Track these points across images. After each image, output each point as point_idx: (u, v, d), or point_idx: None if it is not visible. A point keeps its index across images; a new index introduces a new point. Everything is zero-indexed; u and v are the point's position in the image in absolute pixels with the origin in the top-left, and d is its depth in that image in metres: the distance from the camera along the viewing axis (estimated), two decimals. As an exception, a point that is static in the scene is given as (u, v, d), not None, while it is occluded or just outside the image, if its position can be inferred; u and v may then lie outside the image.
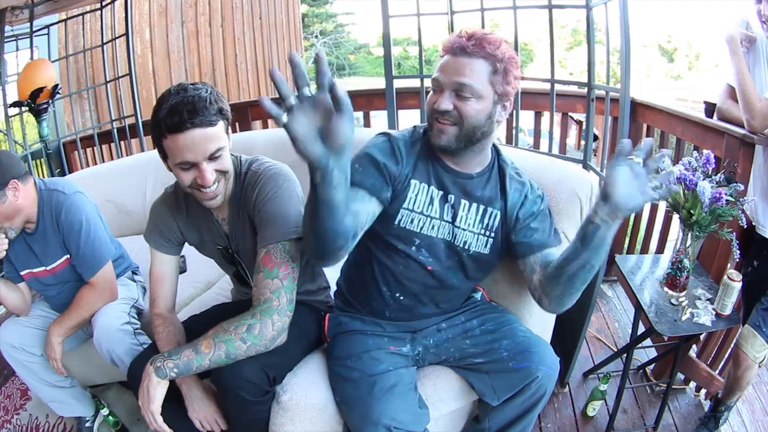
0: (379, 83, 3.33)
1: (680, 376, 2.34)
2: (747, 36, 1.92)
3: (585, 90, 2.25)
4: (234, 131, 3.19)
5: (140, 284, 2.15)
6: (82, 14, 3.86)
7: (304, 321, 1.62)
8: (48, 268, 1.92)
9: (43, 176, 3.15)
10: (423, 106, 2.84)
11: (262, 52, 9.22)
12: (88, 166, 3.94)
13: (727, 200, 1.65)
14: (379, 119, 3.53)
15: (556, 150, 2.96)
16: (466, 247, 1.49)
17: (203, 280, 2.39)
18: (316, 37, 20.79)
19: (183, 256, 1.71)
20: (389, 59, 2.78)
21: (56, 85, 3.34)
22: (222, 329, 1.35)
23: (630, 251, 3.05)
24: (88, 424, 2.13)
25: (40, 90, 3.22)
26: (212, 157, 1.34)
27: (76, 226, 1.86)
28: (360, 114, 3.63)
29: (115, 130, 3.76)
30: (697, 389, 2.33)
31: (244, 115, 3.59)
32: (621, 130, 1.94)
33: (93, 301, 1.89)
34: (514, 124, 2.85)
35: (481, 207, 1.48)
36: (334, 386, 1.52)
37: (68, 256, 1.91)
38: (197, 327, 1.54)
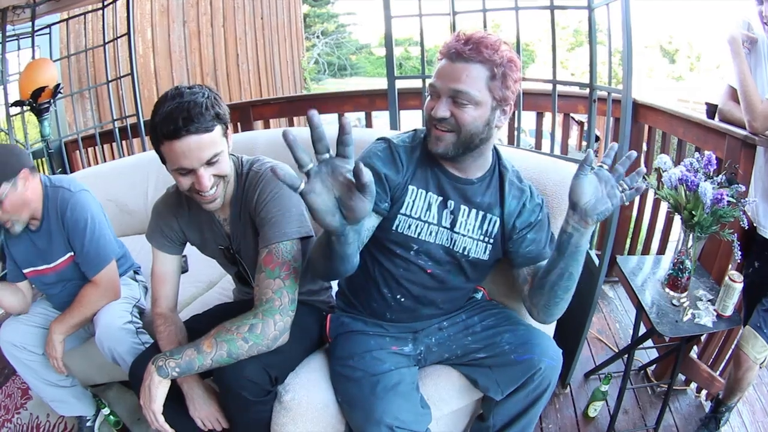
0: (380, 83, 3.34)
1: (681, 377, 2.34)
2: (749, 37, 1.92)
3: (587, 91, 2.25)
4: (235, 131, 3.20)
5: (142, 284, 2.15)
6: (84, 14, 3.86)
7: (306, 321, 1.62)
8: (51, 265, 1.92)
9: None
10: (424, 106, 2.84)
11: (264, 52, 9.24)
12: (89, 165, 3.94)
13: (728, 201, 1.65)
14: (381, 119, 3.53)
15: (557, 151, 2.95)
16: (465, 252, 1.49)
17: (205, 279, 2.39)
18: (318, 37, 20.77)
19: (185, 256, 1.71)
20: (391, 60, 2.78)
21: (58, 85, 3.35)
22: (224, 329, 1.35)
23: (631, 252, 3.05)
24: (89, 424, 2.14)
25: (42, 89, 3.22)
26: (209, 163, 1.34)
27: (81, 223, 1.86)
28: (362, 114, 3.63)
29: (117, 130, 3.76)
30: (698, 390, 2.33)
31: (246, 115, 3.59)
32: (623, 131, 1.94)
33: (96, 300, 1.89)
34: (515, 125, 2.85)
35: (481, 213, 1.48)
36: (336, 386, 1.52)
37: (72, 253, 1.92)
38: (199, 326, 1.55)
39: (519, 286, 1.51)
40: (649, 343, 2.20)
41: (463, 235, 1.47)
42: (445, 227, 1.46)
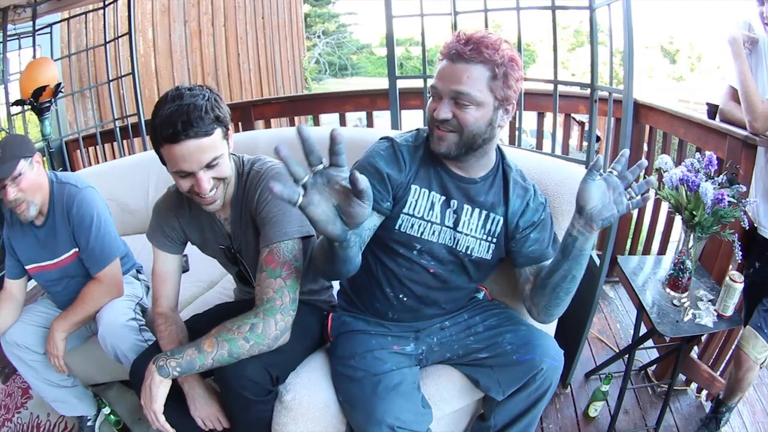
0: (382, 83, 3.34)
1: (682, 377, 2.34)
2: (749, 38, 1.92)
3: (588, 91, 2.25)
4: (236, 131, 3.20)
5: (144, 283, 2.15)
6: (85, 13, 3.86)
7: (307, 320, 1.62)
8: (55, 261, 1.93)
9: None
10: (426, 106, 2.84)
11: (265, 52, 9.25)
12: (90, 165, 3.94)
13: (729, 201, 1.65)
14: (382, 119, 3.53)
15: (558, 151, 2.95)
16: (469, 252, 1.49)
17: (206, 279, 2.39)
18: (319, 37, 20.77)
19: (185, 256, 1.72)
20: (392, 59, 2.78)
21: (59, 84, 3.34)
22: (225, 328, 1.35)
23: (632, 252, 3.05)
24: (89, 423, 2.14)
25: (43, 88, 3.22)
26: (209, 166, 1.34)
27: (87, 220, 1.87)
28: (363, 114, 3.64)
29: (118, 129, 3.76)
30: (699, 390, 2.33)
31: (247, 115, 3.59)
32: (624, 131, 1.94)
33: (99, 297, 1.90)
34: (516, 125, 2.85)
35: (484, 212, 1.47)
36: (337, 386, 1.52)
37: (76, 249, 1.92)
38: (200, 326, 1.55)
39: (520, 286, 1.50)
40: (649, 343, 2.20)
41: (466, 235, 1.47)
42: (448, 227, 1.46)
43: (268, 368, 1.42)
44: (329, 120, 3.96)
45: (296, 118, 3.81)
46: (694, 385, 2.34)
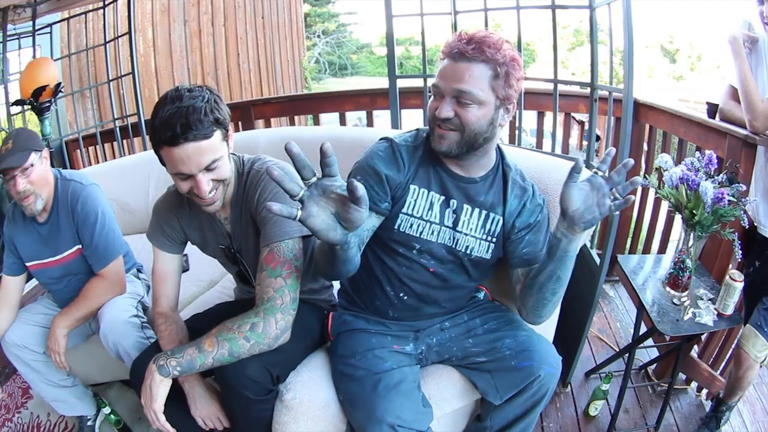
0: (382, 83, 3.34)
1: (682, 376, 2.35)
2: (749, 37, 1.92)
3: (587, 90, 2.26)
4: (237, 130, 3.20)
5: (144, 282, 2.15)
6: (85, 13, 3.86)
7: (308, 319, 1.62)
8: (58, 257, 1.94)
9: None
10: (426, 105, 2.84)
11: (265, 52, 9.24)
12: (90, 164, 3.94)
13: (729, 200, 1.65)
14: (382, 119, 3.53)
15: (558, 150, 2.95)
16: (468, 251, 1.49)
17: (206, 278, 2.40)
18: (319, 36, 20.76)
19: (186, 255, 1.72)
20: (392, 59, 2.78)
21: (59, 84, 3.34)
22: (225, 327, 1.35)
23: (632, 251, 3.05)
24: (89, 423, 2.14)
25: (43, 88, 3.22)
26: (208, 168, 1.33)
27: (91, 216, 1.89)
28: (363, 113, 3.64)
29: (118, 129, 3.76)
30: (699, 389, 2.33)
31: (247, 114, 3.59)
32: (624, 130, 1.94)
33: (101, 293, 1.90)
34: (516, 125, 2.85)
35: (484, 212, 1.48)
36: (337, 384, 1.53)
37: (79, 246, 1.93)
38: (200, 326, 1.55)
39: (512, 286, 1.51)
40: (649, 342, 2.20)
41: (466, 234, 1.47)
42: (447, 226, 1.47)
43: (269, 367, 1.42)
44: (329, 119, 3.96)
45: (296, 118, 3.82)
46: (694, 384, 2.34)
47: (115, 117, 3.74)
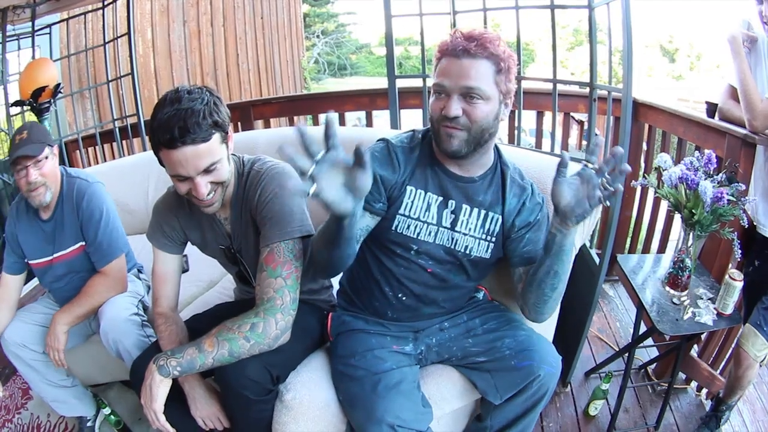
0: (381, 83, 3.34)
1: (681, 375, 2.35)
2: (749, 36, 1.92)
3: (587, 90, 2.26)
4: (236, 131, 3.20)
5: (144, 282, 2.16)
6: (84, 13, 3.86)
7: (307, 320, 1.62)
8: (61, 253, 1.95)
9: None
10: (425, 105, 2.84)
11: (264, 52, 9.24)
12: (89, 165, 3.94)
13: (728, 200, 1.66)
14: (382, 119, 3.53)
15: (558, 150, 2.95)
16: (468, 252, 1.49)
17: (206, 279, 2.40)
18: (318, 36, 20.76)
19: (185, 256, 1.72)
20: (392, 59, 2.78)
21: (58, 85, 3.34)
22: (225, 328, 1.35)
23: (632, 251, 3.05)
24: (89, 424, 2.14)
25: (42, 89, 3.22)
26: (207, 171, 1.33)
27: (96, 213, 1.91)
28: (362, 114, 3.64)
29: (117, 130, 3.76)
30: (699, 389, 2.33)
31: (246, 115, 3.59)
32: (623, 129, 1.94)
33: (103, 290, 1.91)
34: (516, 124, 2.85)
35: (483, 212, 1.48)
36: (337, 385, 1.53)
37: (83, 243, 1.95)
38: (200, 326, 1.55)
39: (514, 285, 1.51)
40: (649, 341, 2.20)
41: (465, 234, 1.47)
42: (445, 227, 1.47)
43: (269, 367, 1.42)
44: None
45: (295, 118, 3.81)
46: (694, 384, 2.35)
47: (115, 118, 3.74)
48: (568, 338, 2.15)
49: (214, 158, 1.33)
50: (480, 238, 1.48)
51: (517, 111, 2.61)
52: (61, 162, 3.65)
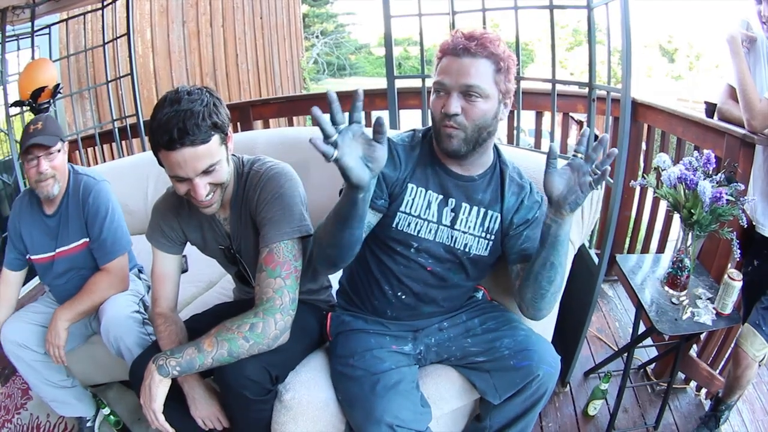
0: (380, 83, 3.34)
1: (681, 375, 2.35)
2: (748, 36, 1.93)
3: (586, 90, 2.25)
4: (235, 131, 3.20)
5: (145, 282, 2.16)
6: (84, 14, 3.85)
7: (307, 320, 1.62)
8: (63, 249, 1.96)
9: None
10: (424, 105, 2.84)
11: (263, 52, 9.23)
12: (89, 165, 3.94)
13: (727, 200, 1.66)
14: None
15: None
16: (467, 250, 1.49)
17: (205, 279, 2.40)
18: (317, 37, 20.77)
19: (185, 256, 1.72)
20: (391, 59, 2.78)
21: (57, 85, 3.34)
22: (225, 328, 1.35)
23: (631, 251, 3.06)
24: (89, 424, 2.14)
25: (42, 89, 3.22)
26: (205, 172, 1.34)
27: (102, 210, 1.92)
28: (362, 114, 3.63)
29: (117, 130, 3.76)
30: (698, 389, 2.33)
31: (246, 115, 3.59)
32: (622, 130, 1.94)
33: (105, 287, 1.91)
34: (515, 124, 2.85)
35: (482, 210, 1.49)
36: (336, 384, 1.53)
37: (86, 239, 1.96)
38: (199, 326, 1.55)
39: (512, 282, 1.51)
40: (648, 341, 2.21)
41: (464, 233, 1.48)
42: (445, 225, 1.47)
43: (268, 367, 1.42)
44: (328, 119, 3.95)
45: (295, 118, 3.82)
46: (693, 384, 2.35)
47: (114, 118, 3.74)
48: (567, 338, 2.15)
49: (213, 160, 1.33)
50: (479, 236, 1.49)
51: (516, 111, 2.61)
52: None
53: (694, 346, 2.37)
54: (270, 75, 9.62)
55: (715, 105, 2.12)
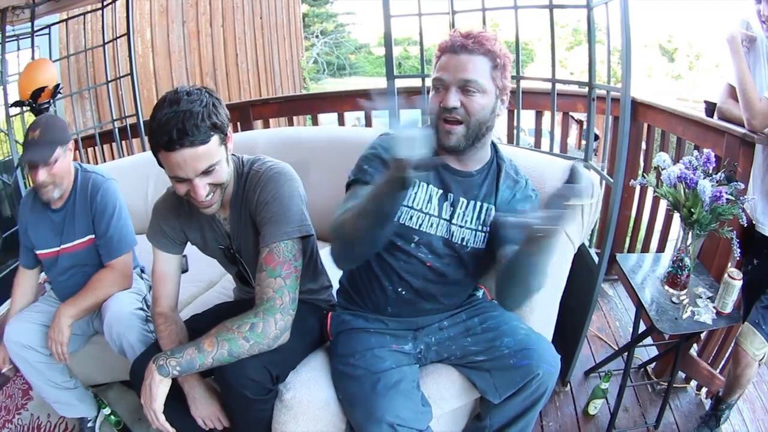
0: (380, 83, 3.33)
1: (681, 374, 2.35)
2: (747, 36, 1.93)
3: (586, 89, 2.25)
4: (235, 131, 3.20)
5: (147, 282, 2.16)
6: (83, 14, 3.86)
7: (307, 319, 1.62)
8: (67, 246, 1.96)
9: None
10: (429, 101, 2.84)
11: (263, 52, 9.24)
12: (89, 165, 3.94)
13: (727, 199, 1.66)
14: (381, 119, 3.53)
15: (557, 149, 2.95)
16: (464, 243, 1.51)
17: (205, 279, 2.40)
18: (317, 37, 20.75)
19: (185, 256, 1.72)
20: (390, 59, 2.78)
21: (57, 85, 3.34)
22: (225, 327, 1.35)
23: (631, 250, 3.06)
24: (90, 425, 2.14)
25: (42, 90, 3.21)
26: (205, 172, 1.34)
27: (109, 208, 1.94)
28: (362, 114, 3.64)
29: (117, 130, 3.76)
30: (698, 388, 2.33)
31: (246, 115, 3.59)
32: (622, 129, 1.94)
33: (110, 284, 1.92)
34: (515, 124, 2.85)
35: (479, 204, 1.52)
36: (337, 384, 1.53)
37: (92, 236, 1.97)
38: (199, 326, 1.55)
39: (495, 270, 1.50)
40: (648, 340, 2.21)
41: (461, 227, 1.51)
42: (445, 219, 1.50)
43: (268, 367, 1.42)
44: (328, 120, 3.96)
45: (295, 118, 3.81)
46: (693, 383, 2.35)
47: (114, 118, 3.74)
48: (568, 337, 2.15)
49: (213, 160, 1.33)
50: (476, 229, 1.51)
51: (516, 110, 2.61)
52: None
53: (695, 345, 2.37)
54: (270, 75, 9.62)
55: (715, 104, 2.12)
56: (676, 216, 1.84)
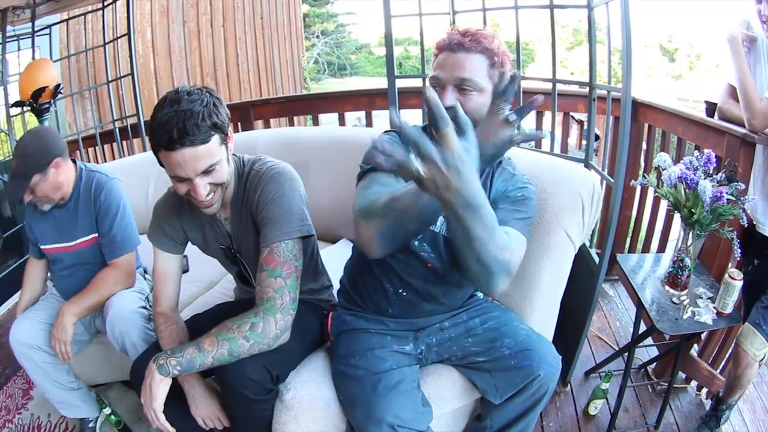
0: (380, 83, 3.34)
1: (681, 375, 2.35)
2: (748, 36, 1.93)
3: (586, 90, 2.25)
4: (236, 131, 3.20)
5: (150, 283, 2.16)
6: (84, 14, 3.86)
7: (307, 319, 1.62)
8: (70, 244, 1.97)
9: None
10: (424, 105, 2.84)
11: (264, 52, 9.24)
12: (90, 166, 3.94)
13: (727, 199, 1.66)
14: (382, 119, 3.53)
15: (557, 149, 2.95)
16: None
17: (206, 279, 2.40)
18: (317, 37, 20.73)
19: (185, 256, 1.72)
20: (391, 59, 2.78)
21: (58, 85, 3.34)
22: (225, 327, 1.35)
23: (631, 250, 3.06)
24: (91, 425, 2.14)
25: (42, 90, 3.22)
26: (205, 172, 1.34)
27: (113, 207, 1.94)
28: (362, 114, 3.64)
29: (117, 130, 3.76)
30: (699, 388, 2.33)
31: (246, 115, 3.59)
32: (622, 129, 1.94)
33: (113, 283, 1.92)
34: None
35: None
36: (337, 384, 1.53)
37: (95, 235, 1.97)
38: (200, 326, 1.55)
39: None
40: (649, 341, 2.21)
41: None
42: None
43: (269, 367, 1.42)
44: (328, 120, 3.96)
45: (295, 118, 3.81)
46: (694, 383, 2.35)
47: (115, 118, 3.74)
48: (568, 338, 2.15)
49: (213, 160, 1.33)
50: None
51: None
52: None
53: (695, 345, 2.37)
54: (270, 75, 9.62)
55: (716, 104, 2.12)
56: (677, 216, 1.84)
